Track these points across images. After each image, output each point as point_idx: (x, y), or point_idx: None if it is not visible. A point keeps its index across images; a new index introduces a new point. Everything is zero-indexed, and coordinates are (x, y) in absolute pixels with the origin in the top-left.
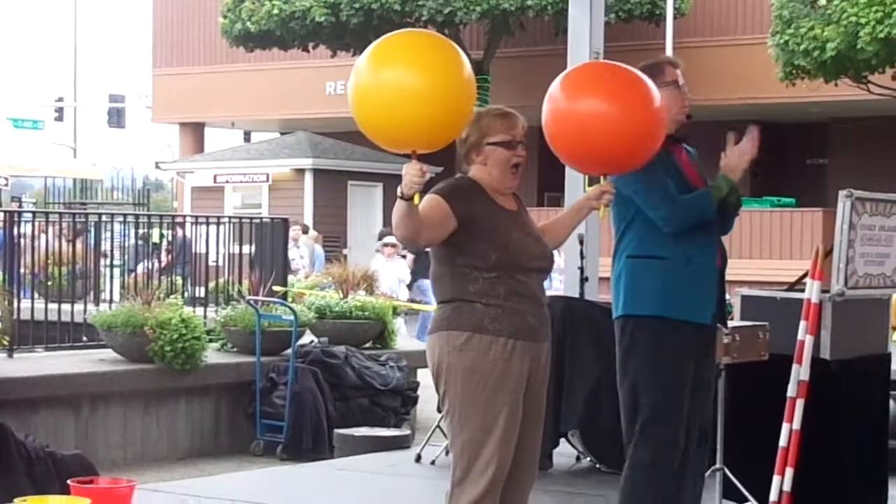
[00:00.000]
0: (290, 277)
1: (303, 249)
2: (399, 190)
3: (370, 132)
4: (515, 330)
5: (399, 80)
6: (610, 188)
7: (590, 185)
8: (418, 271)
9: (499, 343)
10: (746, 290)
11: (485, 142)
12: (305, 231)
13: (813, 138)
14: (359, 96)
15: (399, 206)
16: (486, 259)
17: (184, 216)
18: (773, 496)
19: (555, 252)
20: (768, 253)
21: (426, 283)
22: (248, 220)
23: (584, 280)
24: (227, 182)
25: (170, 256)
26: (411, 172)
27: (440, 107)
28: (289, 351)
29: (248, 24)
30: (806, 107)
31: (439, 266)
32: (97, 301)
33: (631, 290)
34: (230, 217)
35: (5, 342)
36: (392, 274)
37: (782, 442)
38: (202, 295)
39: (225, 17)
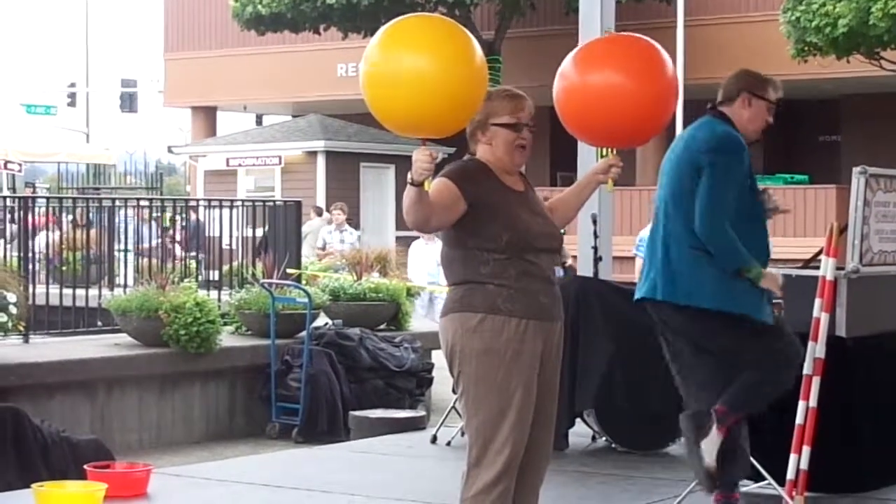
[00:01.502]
0: (305, 260)
1: (346, 235)
2: (409, 176)
3: (381, 117)
4: (528, 310)
5: (411, 66)
6: (617, 161)
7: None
8: None
9: (512, 323)
10: None
11: (490, 122)
12: (319, 213)
13: (825, 115)
14: (370, 82)
15: (409, 192)
16: (497, 240)
17: (197, 200)
18: (789, 474)
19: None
20: (782, 230)
21: None
22: (261, 203)
23: (597, 260)
24: (239, 165)
25: (183, 239)
26: (421, 159)
27: (452, 95)
28: (303, 333)
29: (260, 6)
30: (818, 83)
31: (450, 249)
32: (112, 286)
33: (692, 280)
34: (243, 200)
35: (21, 328)
36: (431, 257)
37: (799, 420)
38: (216, 278)
39: (236, 0)
